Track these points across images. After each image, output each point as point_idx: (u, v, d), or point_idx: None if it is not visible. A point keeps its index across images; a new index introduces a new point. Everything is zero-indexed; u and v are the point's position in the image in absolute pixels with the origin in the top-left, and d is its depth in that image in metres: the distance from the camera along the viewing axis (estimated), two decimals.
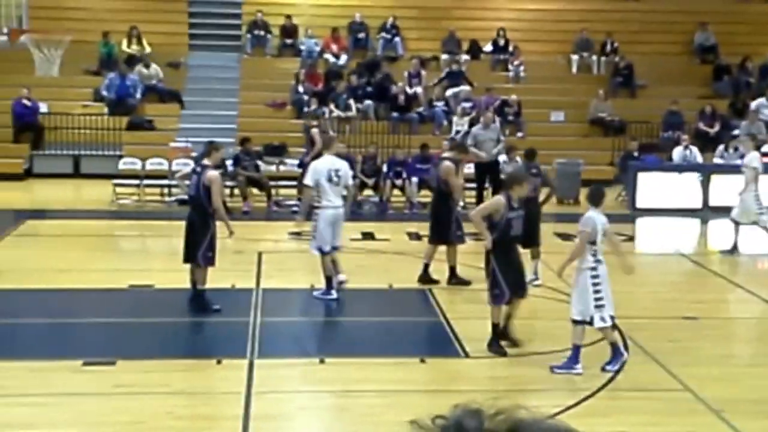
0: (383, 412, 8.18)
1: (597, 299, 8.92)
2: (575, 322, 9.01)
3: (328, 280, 11.57)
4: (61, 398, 8.26)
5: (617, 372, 9.02)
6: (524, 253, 12.03)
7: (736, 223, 14.85)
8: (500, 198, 9.71)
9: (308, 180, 11.70)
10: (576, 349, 9.00)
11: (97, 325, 10.73)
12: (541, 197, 12.56)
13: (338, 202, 11.55)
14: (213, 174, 10.76)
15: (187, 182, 11.31)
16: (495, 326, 9.64)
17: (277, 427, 7.97)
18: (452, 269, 12.32)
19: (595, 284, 8.91)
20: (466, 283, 12.21)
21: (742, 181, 14.78)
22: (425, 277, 12.34)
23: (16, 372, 8.84)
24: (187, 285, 11.30)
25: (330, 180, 11.47)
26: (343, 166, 11.74)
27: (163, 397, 8.37)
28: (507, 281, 9.52)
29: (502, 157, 18.85)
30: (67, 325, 10.78)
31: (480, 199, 17.15)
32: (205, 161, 11.08)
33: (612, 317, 9.04)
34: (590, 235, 8.90)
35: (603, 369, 9.00)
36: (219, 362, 9.26)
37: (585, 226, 8.97)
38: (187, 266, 11.11)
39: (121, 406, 8.14)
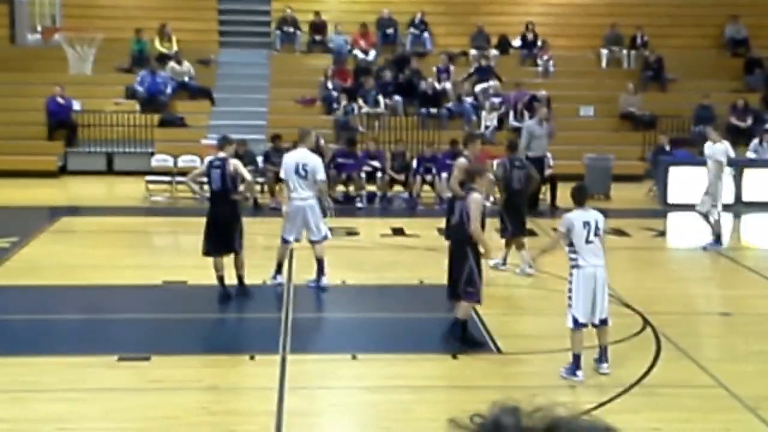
0: (415, 408, 8.20)
1: (568, 298, 8.77)
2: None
3: (279, 266, 11.96)
4: (97, 393, 8.35)
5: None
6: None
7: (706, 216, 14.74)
8: (479, 197, 9.38)
9: (282, 173, 12.03)
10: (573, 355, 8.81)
11: (132, 321, 10.84)
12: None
13: (305, 194, 11.72)
14: (234, 160, 11.25)
15: (203, 179, 11.56)
16: (465, 323, 9.58)
17: (309, 422, 8.00)
18: None
19: (570, 282, 8.76)
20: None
21: (708, 172, 14.63)
22: None
23: (52, 367, 8.94)
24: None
25: (297, 173, 11.66)
26: (312, 160, 11.79)
27: (196, 393, 8.44)
28: (481, 280, 9.43)
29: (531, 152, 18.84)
30: (102, 321, 10.91)
31: (535, 197, 17.06)
32: (221, 154, 11.33)
33: (577, 322, 8.68)
34: (565, 236, 8.73)
35: (561, 375, 8.75)
36: (252, 358, 9.33)
37: (561, 226, 8.86)
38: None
39: (156, 401, 8.21)
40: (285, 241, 11.89)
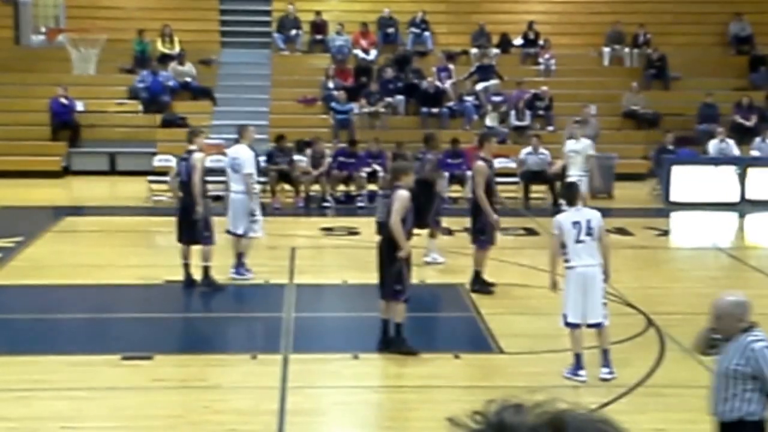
0: (417, 407, 8.22)
1: (565, 299, 8.73)
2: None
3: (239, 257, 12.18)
4: (101, 392, 8.40)
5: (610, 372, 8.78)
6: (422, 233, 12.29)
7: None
8: (405, 193, 9.25)
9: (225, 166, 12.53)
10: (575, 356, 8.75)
11: (135, 320, 10.89)
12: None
13: (236, 188, 12.05)
14: (198, 155, 11.47)
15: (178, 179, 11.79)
16: (400, 325, 9.36)
17: (312, 421, 8.03)
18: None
19: (566, 283, 8.69)
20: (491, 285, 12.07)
21: (575, 166, 14.80)
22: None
23: (57, 366, 8.98)
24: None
25: (231, 167, 12.06)
26: (243, 155, 12.08)
27: (200, 392, 8.49)
28: (409, 278, 9.36)
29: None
30: (106, 320, 10.97)
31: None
32: (191, 147, 11.60)
33: (568, 323, 8.65)
34: (558, 238, 8.72)
35: (564, 376, 8.69)
36: (254, 357, 9.34)
37: (553, 229, 8.87)
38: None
39: (160, 400, 8.25)
40: (228, 232, 12.16)
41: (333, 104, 22.13)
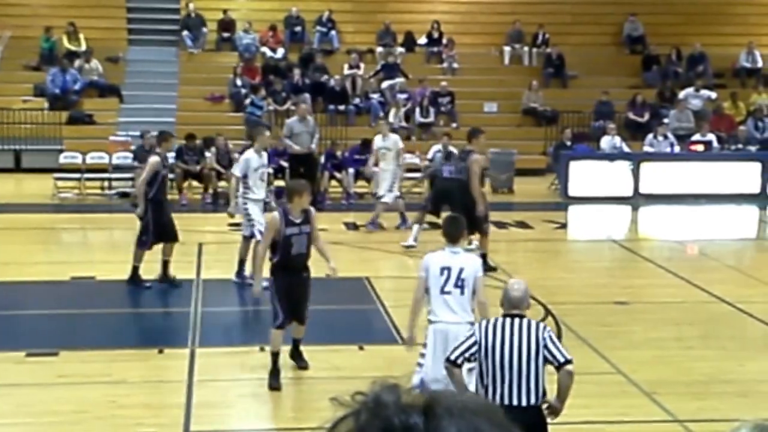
0: (322, 398, 8.35)
1: (420, 355, 7.33)
2: None
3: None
4: (5, 389, 8.41)
5: None
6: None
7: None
8: (275, 215, 8.62)
9: (236, 171, 12.50)
10: None
11: (40, 317, 10.86)
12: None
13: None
14: (153, 159, 11.60)
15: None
16: (276, 355, 8.65)
17: (218, 414, 8.15)
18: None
19: (427, 338, 7.23)
20: (494, 269, 12.48)
21: (386, 161, 15.60)
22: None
23: None
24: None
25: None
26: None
27: (106, 387, 8.53)
28: (282, 306, 8.54)
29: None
30: (10, 317, 10.87)
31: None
32: (158, 149, 11.84)
33: (423, 380, 6.96)
34: (424, 280, 7.18)
35: None
36: (161, 352, 9.45)
37: (419, 270, 7.35)
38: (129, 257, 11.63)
39: (65, 396, 8.29)
40: None
41: (254, 99, 22.14)
